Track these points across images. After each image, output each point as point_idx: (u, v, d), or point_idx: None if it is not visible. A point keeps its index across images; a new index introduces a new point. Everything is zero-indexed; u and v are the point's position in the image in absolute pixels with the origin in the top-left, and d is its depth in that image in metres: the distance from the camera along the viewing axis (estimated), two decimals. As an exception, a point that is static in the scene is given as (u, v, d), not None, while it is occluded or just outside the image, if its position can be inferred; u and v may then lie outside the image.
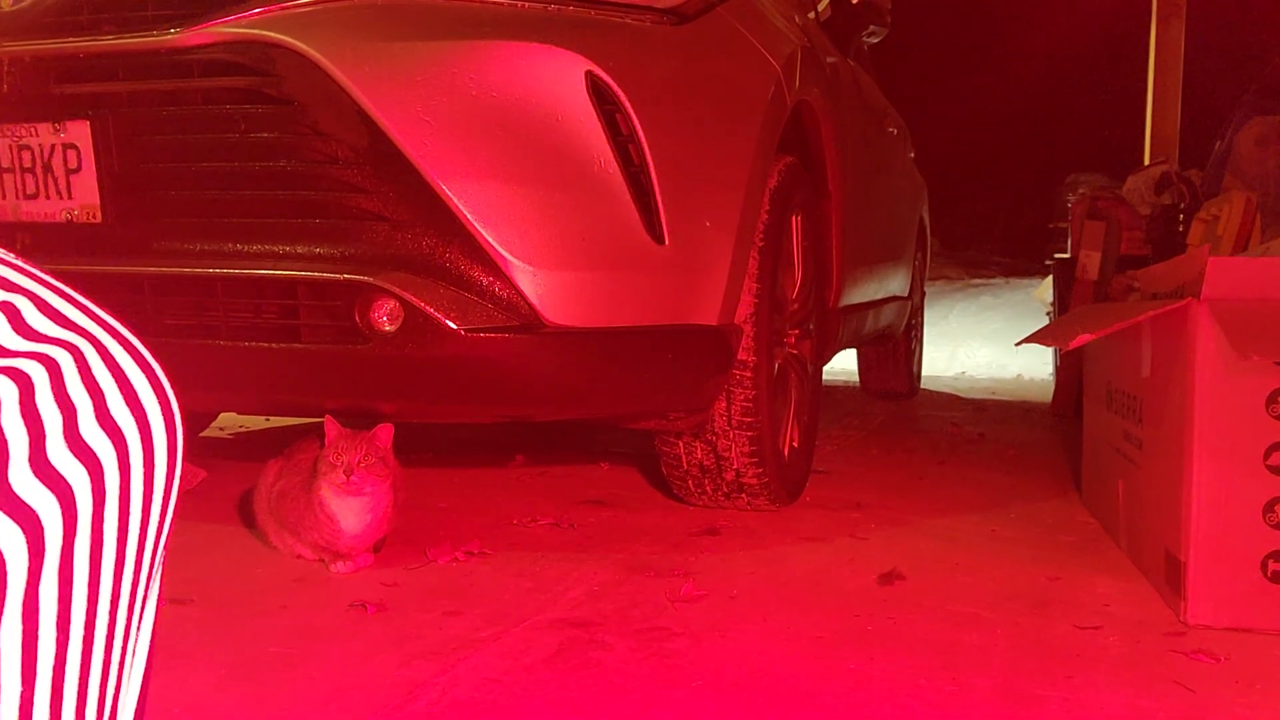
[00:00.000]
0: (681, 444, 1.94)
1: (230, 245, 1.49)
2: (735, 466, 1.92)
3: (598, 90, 1.50)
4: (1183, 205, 3.58)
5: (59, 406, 0.43)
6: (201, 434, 2.96)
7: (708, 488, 1.99)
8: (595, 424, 2.81)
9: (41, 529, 0.42)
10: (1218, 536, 1.39)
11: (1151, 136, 5.52)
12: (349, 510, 1.55)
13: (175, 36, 1.44)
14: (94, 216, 1.51)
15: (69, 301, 0.48)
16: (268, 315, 1.51)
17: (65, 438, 0.43)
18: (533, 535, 1.86)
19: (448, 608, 1.43)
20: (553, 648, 1.28)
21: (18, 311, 0.46)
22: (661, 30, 1.67)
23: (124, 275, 1.51)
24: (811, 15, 2.72)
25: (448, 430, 3.08)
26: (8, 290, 0.46)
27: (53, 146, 1.50)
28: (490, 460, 2.62)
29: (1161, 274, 1.77)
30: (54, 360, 0.44)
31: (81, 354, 0.46)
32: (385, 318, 1.44)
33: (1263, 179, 3.22)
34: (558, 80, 1.48)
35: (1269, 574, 1.37)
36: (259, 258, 1.48)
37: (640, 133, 1.52)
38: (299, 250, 1.46)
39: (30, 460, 0.42)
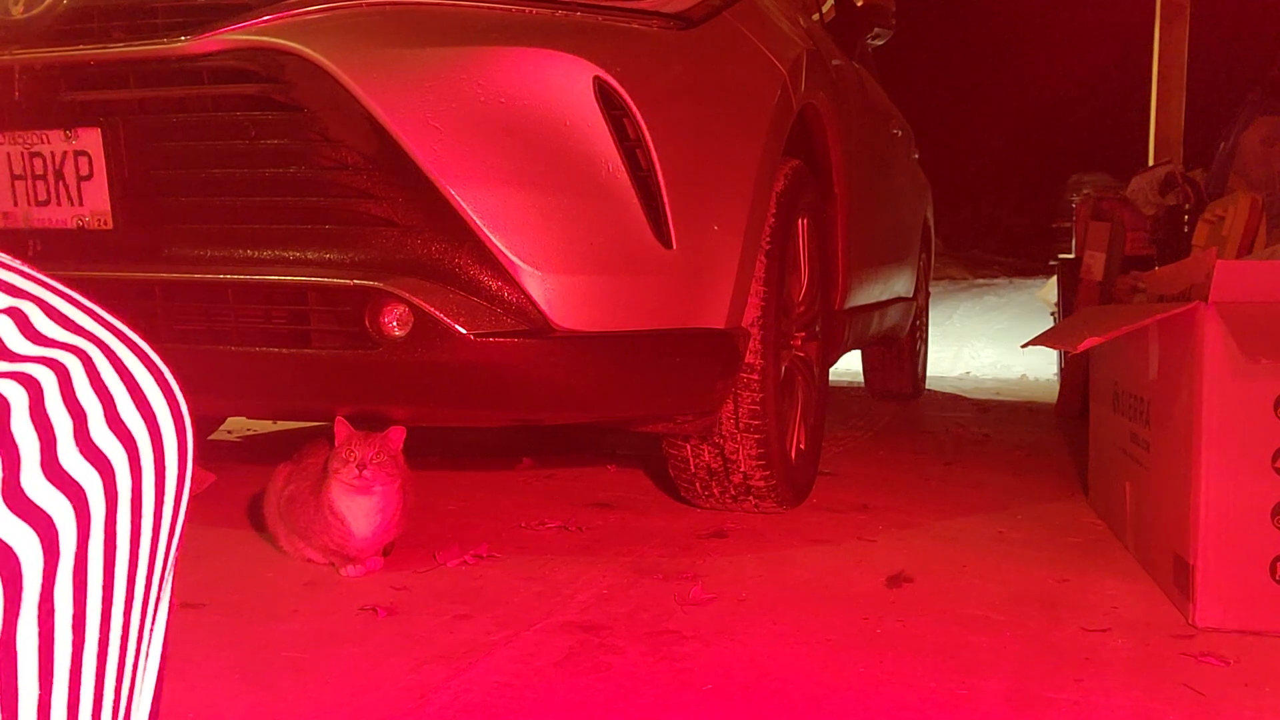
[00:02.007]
0: (689, 447, 1.94)
1: (240, 251, 1.49)
2: (742, 469, 1.92)
3: (605, 95, 1.50)
4: (1187, 206, 3.58)
5: (69, 411, 0.44)
6: (210, 437, 2.97)
7: (715, 490, 2.00)
8: (602, 427, 2.82)
9: (55, 531, 0.42)
10: (1226, 539, 1.39)
11: (1156, 137, 5.52)
12: (359, 512, 1.56)
13: (185, 44, 1.45)
14: (105, 223, 1.51)
15: (76, 306, 0.49)
16: (278, 320, 1.51)
17: (76, 441, 0.44)
18: (541, 538, 1.86)
19: (458, 611, 1.44)
20: (563, 651, 1.29)
21: (26, 317, 0.46)
22: (668, 35, 1.67)
23: (135, 281, 1.52)
24: (816, 18, 2.72)
25: (455, 434, 3.08)
26: (15, 296, 0.47)
27: (64, 154, 1.51)
28: (498, 463, 2.63)
29: (1168, 276, 1.77)
30: (63, 365, 0.45)
31: (90, 358, 0.46)
32: (395, 323, 1.44)
33: (1268, 179, 3.22)
34: (565, 86, 1.49)
35: (1277, 577, 1.37)
36: (269, 263, 1.48)
37: (648, 137, 1.53)
38: (309, 256, 1.47)
39: (42, 464, 0.42)
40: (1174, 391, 1.51)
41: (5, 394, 0.42)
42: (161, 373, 0.50)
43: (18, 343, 0.44)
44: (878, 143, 2.97)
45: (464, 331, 1.43)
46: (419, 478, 1.79)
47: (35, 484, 0.41)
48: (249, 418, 3.15)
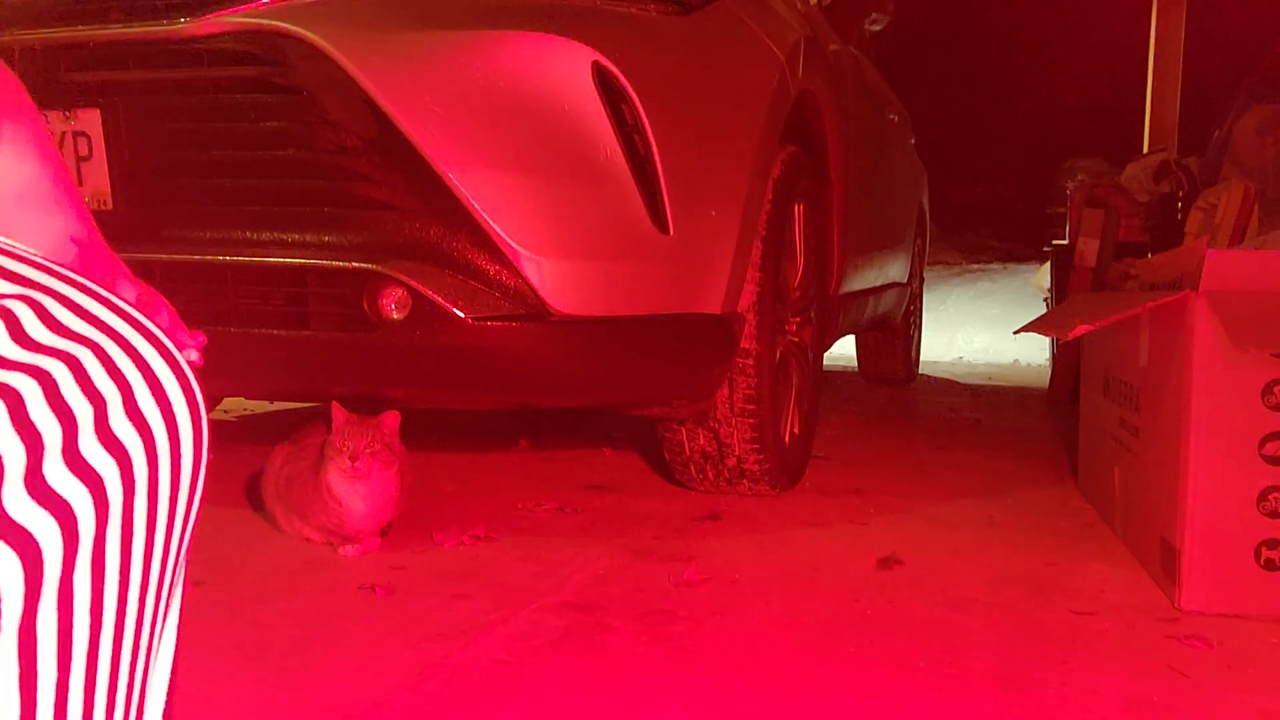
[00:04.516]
0: (684, 431, 1.96)
1: (240, 233, 1.50)
2: (737, 453, 1.94)
3: (604, 80, 1.51)
4: (1181, 193, 3.59)
5: (89, 400, 0.45)
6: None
7: (710, 473, 2.01)
8: (598, 410, 2.84)
9: (75, 519, 0.43)
10: (1212, 524, 1.41)
11: (1151, 124, 5.53)
12: (356, 495, 1.57)
13: (185, 25, 1.45)
14: (104, 204, 1.52)
15: (93, 297, 0.50)
16: (277, 302, 1.52)
17: (96, 430, 0.45)
18: (537, 520, 1.88)
19: (455, 591, 1.46)
20: (559, 631, 1.30)
21: (44, 308, 0.47)
22: (667, 20, 1.68)
23: (134, 262, 1.51)
24: (814, 2, 2.72)
25: (452, 415, 3.10)
26: (33, 288, 0.48)
27: (63, 134, 1.51)
28: (494, 445, 2.64)
29: (1160, 264, 1.79)
30: (81, 355, 0.46)
31: (107, 349, 0.47)
32: (393, 306, 1.45)
33: (1261, 168, 3.23)
34: (564, 70, 1.49)
35: (1262, 561, 1.40)
36: (268, 245, 1.49)
37: (646, 123, 1.53)
38: (308, 238, 1.48)
39: (64, 452, 0.43)
40: (1164, 379, 1.53)
41: (27, 383, 0.43)
42: (177, 362, 0.51)
43: (39, 332, 0.45)
44: (874, 128, 2.97)
45: (462, 315, 1.44)
46: (416, 459, 1.80)
47: (57, 472, 0.43)
48: (247, 398, 3.16)
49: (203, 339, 0.75)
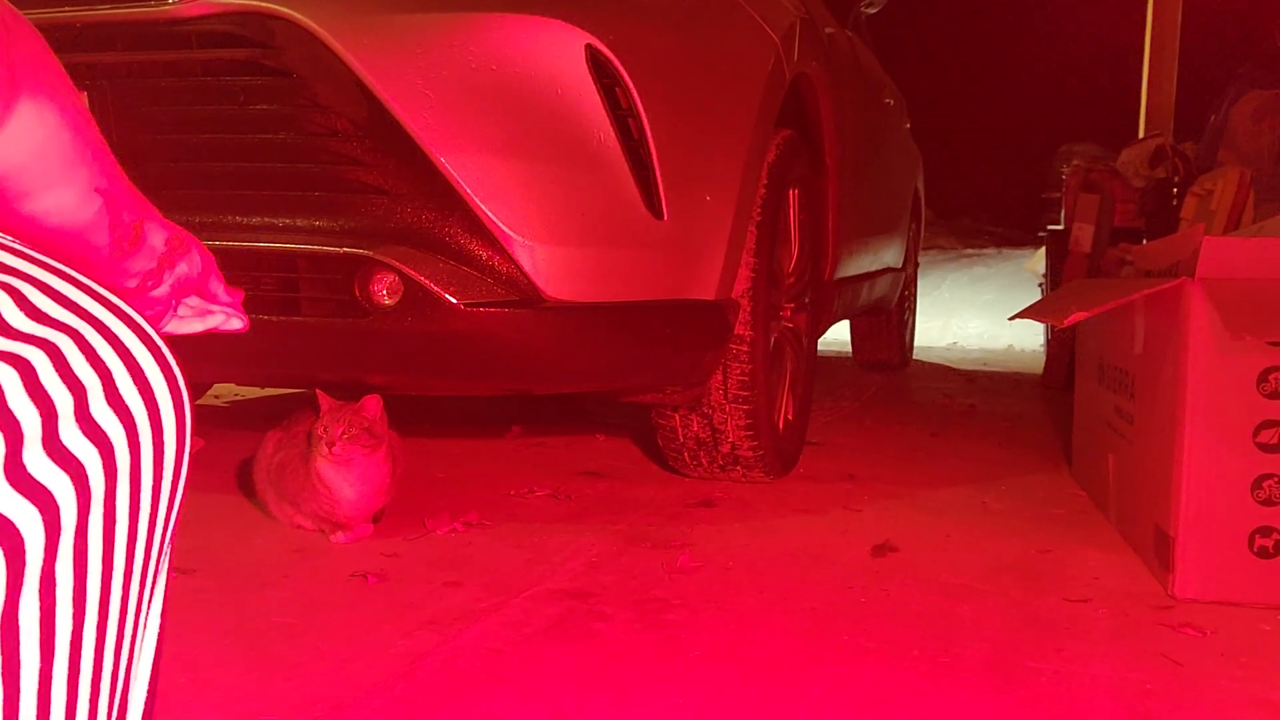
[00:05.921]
0: (678, 417, 1.95)
1: (229, 218, 1.49)
2: (731, 439, 1.93)
3: (597, 63, 1.49)
4: (1177, 179, 3.59)
5: (69, 387, 0.44)
6: (197, 402, 2.96)
7: (703, 460, 2.01)
8: (591, 396, 2.83)
9: (57, 508, 0.42)
10: (1206, 512, 1.41)
11: (1147, 109, 5.52)
12: (345, 481, 1.56)
13: (173, 7, 1.43)
14: (92, 188, 1.50)
15: (74, 285, 0.49)
16: (267, 288, 1.51)
17: (77, 418, 0.44)
18: (530, 506, 1.87)
19: (448, 578, 1.45)
20: (553, 618, 1.30)
21: (23, 295, 0.46)
22: (660, 3, 1.66)
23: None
24: (810, -15, 2.70)
25: (445, 402, 3.09)
26: (13, 275, 0.47)
27: (50, 117, 1.49)
28: (487, 431, 2.63)
29: (1156, 251, 1.78)
30: (63, 341, 0.45)
31: (84, 337, 0.46)
32: (385, 291, 1.44)
33: (1257, 154, 3.23)
34: (557, 53, 1.48)
35: (1255, 549, 1.40)
36: (258, 230, 1.48)
37: (640, 107, 1.52)
38: (298, 223, 1.46)
39: (44, 440, 0.42)
40: (1159, 366, 1.53)
41: (6, 371, 0.42)
42: (160, 349, 0.50)
43: (18, 319, 0.44)
44: (870, 113, 2.96)
45: (454, 301, 1.43)
46: (409, 445, 1.80)
47: (37, 461, 0.42)
48: (238, 384, 3.15)
49: (240, 294, 0.74)
